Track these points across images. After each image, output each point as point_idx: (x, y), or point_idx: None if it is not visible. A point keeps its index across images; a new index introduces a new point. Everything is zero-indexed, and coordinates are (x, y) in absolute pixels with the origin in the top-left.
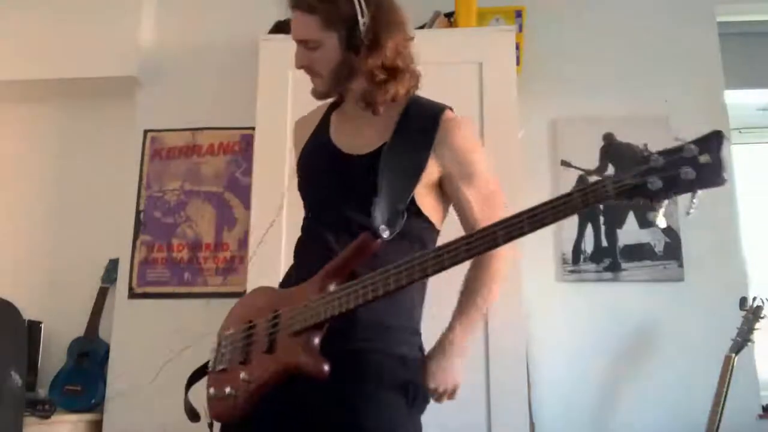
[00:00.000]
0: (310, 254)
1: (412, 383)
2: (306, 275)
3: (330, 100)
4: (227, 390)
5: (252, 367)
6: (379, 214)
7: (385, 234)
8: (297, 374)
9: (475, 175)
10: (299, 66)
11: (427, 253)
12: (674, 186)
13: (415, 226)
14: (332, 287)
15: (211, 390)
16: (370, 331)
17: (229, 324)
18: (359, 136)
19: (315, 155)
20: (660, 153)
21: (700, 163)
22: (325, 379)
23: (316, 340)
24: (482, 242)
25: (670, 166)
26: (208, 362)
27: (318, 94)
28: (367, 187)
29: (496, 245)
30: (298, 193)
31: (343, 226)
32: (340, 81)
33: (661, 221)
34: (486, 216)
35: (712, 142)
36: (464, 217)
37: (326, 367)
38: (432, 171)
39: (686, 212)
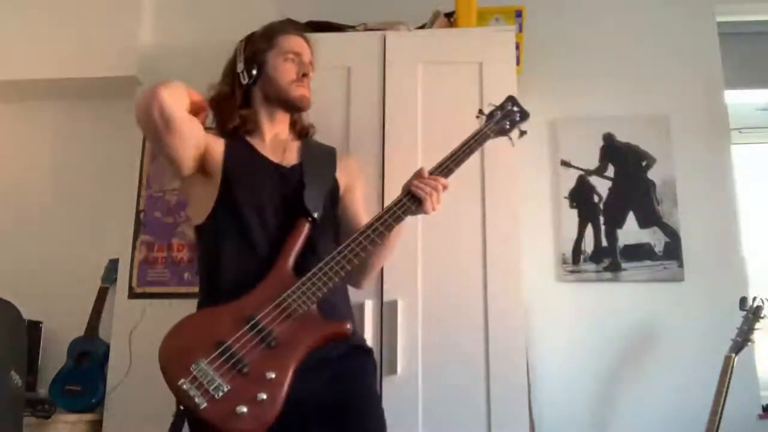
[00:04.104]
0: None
1: None
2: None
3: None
4: (260, 396)
5: (266, 366)
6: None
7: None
8: (322, 343)
9: None
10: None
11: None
12: (513, 125)
13: None
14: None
15: (240, 408)
16: (355, 325)
17: (189, 358)
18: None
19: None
20: (496, 110)
21: (515, 111)
22: (349, 336)
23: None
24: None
25: (507, 115)
26: (180, 409)
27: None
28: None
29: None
30: None
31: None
32: None
33: (515, 141)
34: None
35: (515, 100)
36: None
37: (349, 326)
38: None
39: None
